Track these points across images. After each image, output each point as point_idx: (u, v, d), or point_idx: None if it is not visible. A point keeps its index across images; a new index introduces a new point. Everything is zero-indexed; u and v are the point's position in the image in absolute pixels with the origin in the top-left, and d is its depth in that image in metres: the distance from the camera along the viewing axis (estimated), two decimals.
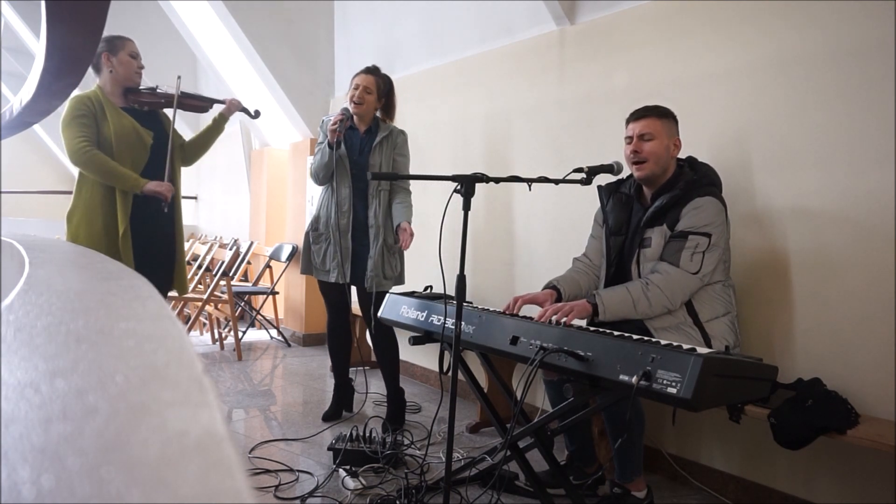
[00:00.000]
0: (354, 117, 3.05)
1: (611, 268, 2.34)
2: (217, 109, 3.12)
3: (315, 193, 4.73)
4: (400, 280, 3.12)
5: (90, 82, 2.89)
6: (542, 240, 3.29)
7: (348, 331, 3.30)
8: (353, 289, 3.18)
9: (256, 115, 3.30)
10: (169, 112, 2.98)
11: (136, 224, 2.79)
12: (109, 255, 2.62)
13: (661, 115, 2.24)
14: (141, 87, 2.89)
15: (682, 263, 2.09)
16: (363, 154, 3.05)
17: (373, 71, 3.06)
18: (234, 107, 3.12)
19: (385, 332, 3.05)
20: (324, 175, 3.06)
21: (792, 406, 2.03)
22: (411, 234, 2.91)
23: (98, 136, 2.75)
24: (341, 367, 3.29)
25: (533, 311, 2.20)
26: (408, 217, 3.00)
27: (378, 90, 3.04)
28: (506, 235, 3.50)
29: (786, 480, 2.31)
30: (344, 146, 3.02)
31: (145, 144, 2.81)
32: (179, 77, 2.98)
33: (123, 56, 2.81)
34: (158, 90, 2.92)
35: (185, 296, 4.90)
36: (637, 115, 2.26)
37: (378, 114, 3.12)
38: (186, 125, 5.97)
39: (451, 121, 3.87)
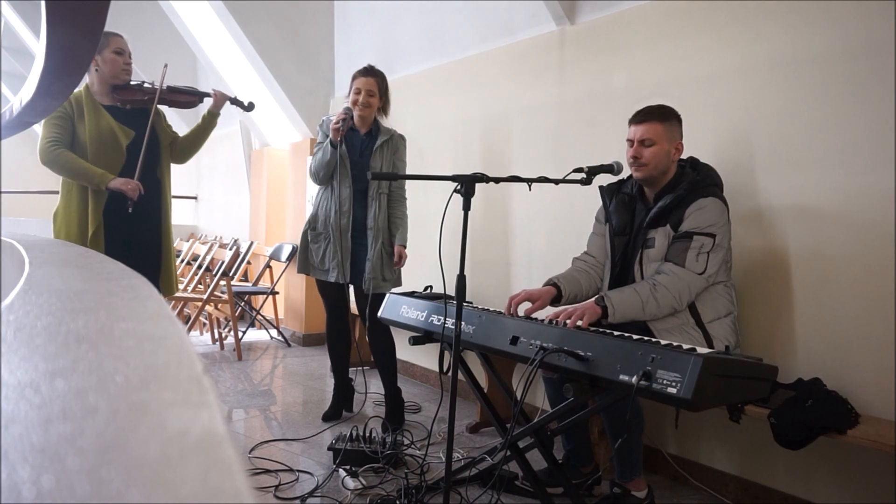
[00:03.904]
0: (356, 118, 3.04)
1: (615, 268, 2.33)
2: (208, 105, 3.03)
3: (315, 193, 4.74)
4: (398, 282, 3.14)
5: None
6: (541, 239, 3.29)
7: (348, 331, 3.30)
8: (351, 288, 3.19)
9: (250, 107, 3.20)
10: (158, 108, 2.89)
11: (119, 225, 2.72)
12: None
13: (663, 118, 2.21)
14: (132, 83, 2.81)
15: (688, 264, 2.09)
16: (364, 156, 3.06)
17: (372, 72, 3.05)
18: (222, 100, 3.00)
19: (381, 333, 3.05)
20: (324, 174, 3.04)
21: (792, 406, 2.03)
22: (404, 259, 3.07)
23: (73, 137, 2.70)
24: (341, 367, 3.29)
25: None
26: (403, 241, 3.08)
27: (380, 92, 3.05)
28: (504, 235, 3.50)
29: (785, 480, 2.31)
30: (345, 146, 3.02)
31: (120, 146, 2.73)
32: (166, 66, 2.89)
33: (108, 54, 2.73)
34: (145, 85, 2.84)
35: (185, 296, 4.91)
36: (639, 119, 2.23)
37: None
38: (182, 120, 5.92)
39: (451, 121, 3.87)
